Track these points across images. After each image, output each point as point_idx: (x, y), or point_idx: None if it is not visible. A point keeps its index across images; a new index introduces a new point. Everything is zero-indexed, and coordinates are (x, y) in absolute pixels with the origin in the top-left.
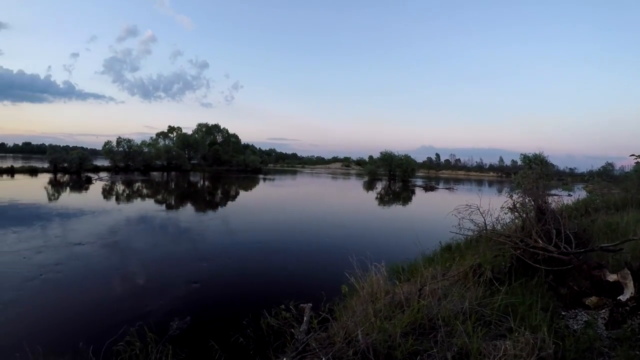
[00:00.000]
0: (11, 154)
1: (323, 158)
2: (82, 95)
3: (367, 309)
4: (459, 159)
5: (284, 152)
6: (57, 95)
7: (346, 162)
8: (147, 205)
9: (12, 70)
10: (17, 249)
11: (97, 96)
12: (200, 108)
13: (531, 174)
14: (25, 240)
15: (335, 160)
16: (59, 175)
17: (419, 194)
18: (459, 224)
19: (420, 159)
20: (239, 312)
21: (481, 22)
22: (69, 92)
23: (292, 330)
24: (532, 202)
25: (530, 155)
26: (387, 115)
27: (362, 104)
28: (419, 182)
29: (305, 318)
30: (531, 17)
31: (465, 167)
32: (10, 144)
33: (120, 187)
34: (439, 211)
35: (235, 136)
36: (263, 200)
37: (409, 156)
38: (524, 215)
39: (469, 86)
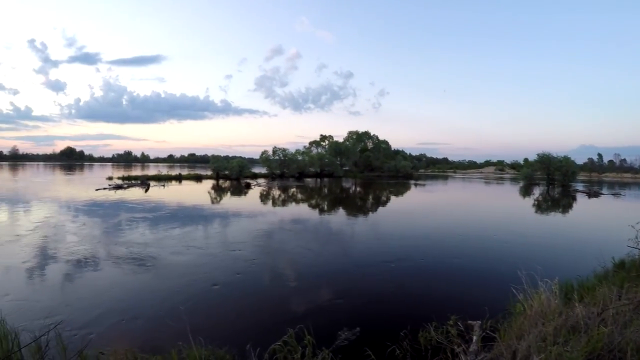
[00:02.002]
0: (178, 164)
1: (475, 162)
2: (238, 111)
3: (543, 332)
4: (624, 159)
5: (434, 157)
6: (216, 112)
7: (499, 165)
8: (305, 210)
9: (175, 94)
10: (207, 245)
11: (251, 111)
12: (349, 116)
13: None
14: (210, 238)
15: (487, 163)
16: (220, 181)
17: (581, 200)
18: (637, 237)
19: (579, 160)
20: (396, 322)
21: None
22: (226, 109)
23: (455, 347)
24: None
25: None
26: (542, 114)
27: (515, 102)
28: (580, 186)
29: (474, 337)
30: None
31: (632, 169)
32: (177, 155)
33: (277, 192)
34: (605, 221)
35: (385, 142)
36: (418, 207)
37: (569, 157)
38: None
39: (635, 76)
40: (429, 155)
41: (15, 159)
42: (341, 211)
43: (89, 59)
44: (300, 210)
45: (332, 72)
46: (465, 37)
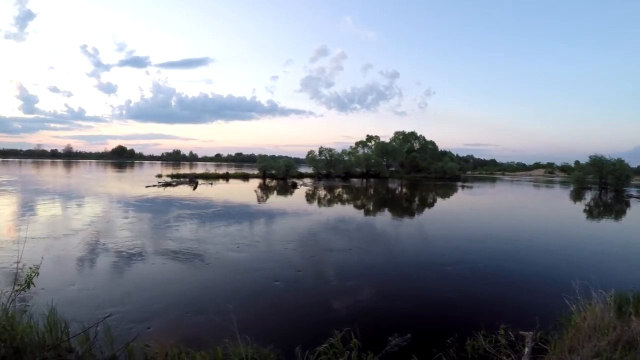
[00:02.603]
0: (226, 163)
1: (524, 164)
2: (285, 112)
3: (597, 346)
4: None
5: (482, 158)
6: (262, 112)
7: (549, 168)
8: (354, 210)
9: (222, 95)
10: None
11: (297, 111)
12: (395, 116)
13: None
14: (262, 235)
15: (537, 166)
16: (267, 180)
17: (635, 206)
18: None
19: (634, 162)
20: (445, 328)
21: None
22: (273, 110)
23: (503, 358)
24: None
25: None
26: (594, 114)
27: (567, 102)
28: (634, 191)
29: (526, 349)
30: None
31: None
32: (224, 154)
33: (323, 192)
34: None
35: (432, 143)
36: (468, 210)
37: (623, 160)
38: None
39: None
40: (476, 156)
41: (69, 157)
42: (391, 213)
43: (138, 62)
44: (349, 210)
45: (377, 72)
46: (513, 36)
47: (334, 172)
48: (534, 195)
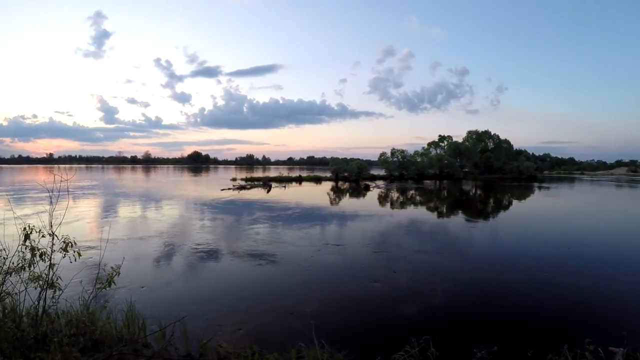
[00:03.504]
0: (298, 166)
1: (604, 162)
2: (354, 114)
3: None
4: None
5: (560, 157)
6: (332, 115)
7: (632, 166)
8: (432, 214)
9: (292, 100)
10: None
11: (367, 113)
12: (467, 115)
13: None
14: (344, 237)
15: (619, 164)
16: (339, 183)
17: None
18: None
19: None
20: (524, 341)
21: None
22: (343, 113)
23: None
24: None
25: None
26: None
27: None
28: None
29: None
30: None
31: None
32: (296, 157)
33: (397, 194)
34: None
35: (506, 142)
36: (549, 212)
37: None
38: None
39: None
40: (553, 155)
41: (148, 163)
42: (471, 216)
43: (210, 72)
44: (427, 213)
45: (446, 70)
46: (588, 27)
47: (406, 173)
48: (618, 197)
